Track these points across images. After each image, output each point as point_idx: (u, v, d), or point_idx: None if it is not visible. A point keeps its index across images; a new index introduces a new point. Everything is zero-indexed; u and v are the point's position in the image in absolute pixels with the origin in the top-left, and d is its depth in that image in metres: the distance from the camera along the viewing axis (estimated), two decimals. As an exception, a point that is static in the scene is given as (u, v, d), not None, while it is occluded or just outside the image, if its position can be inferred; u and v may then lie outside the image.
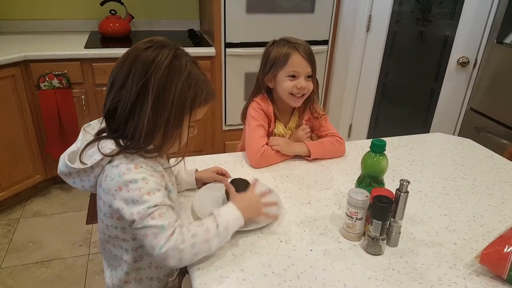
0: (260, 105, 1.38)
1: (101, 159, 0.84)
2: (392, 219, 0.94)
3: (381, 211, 0.90)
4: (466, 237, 1.02)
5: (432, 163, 1.40)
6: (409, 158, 1.43)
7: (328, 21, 2.72)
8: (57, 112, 2.41)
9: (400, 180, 0.91)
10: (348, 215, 0.96)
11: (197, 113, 0.89)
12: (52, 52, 2.33)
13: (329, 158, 1.38)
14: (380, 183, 1.00)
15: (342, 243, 0.97)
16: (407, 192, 0.91)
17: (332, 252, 0.94)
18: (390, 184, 1.05)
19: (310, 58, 1.33)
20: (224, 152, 1.46)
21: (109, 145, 0.85)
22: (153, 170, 0.85)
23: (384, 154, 0.98)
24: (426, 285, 0.86)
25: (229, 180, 1.13)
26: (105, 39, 2.73)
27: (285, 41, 1.34)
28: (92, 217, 2.43)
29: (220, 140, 2.84)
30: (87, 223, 2.38)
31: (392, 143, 1.53)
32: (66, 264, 2.06)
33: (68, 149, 0.91)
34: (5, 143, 2.28)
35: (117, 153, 0.84)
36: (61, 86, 2.38)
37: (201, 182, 1.16)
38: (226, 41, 2.56)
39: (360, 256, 0.93)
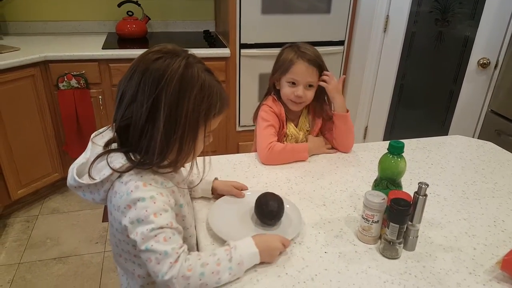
0: (271, 108, 1.39)
1: (111, 174, 0.80)
2: (409, 223, 0.92)
3: (398, 214, 0.88)
4: (486, 243, 0.99)
5: (451, 166, 1.37)
6: (428, 160, 1.40)
7: (344, 22, 2.69)
8: (75, 112, 2.44)
9: (419, 183, 0.89)
10: (364, 218, 0.95)
11: (211, 124, 0.85)
12: (71, 53, 2.37)
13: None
14: (398, 185, 0.98)
15: (357, 246, 0.96)
16: (425, 195, 0.89)
17: (347, 255, 0.93)
18: (408, 187, 1.03)
19: (315, 65, 1.32)
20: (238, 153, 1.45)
21: (119, 159, 0.81)
22: (163, 187, 0.81)
23: (402, 156, 0.96)
24: (445, 291, 0.83)
25: (258, 193, 1.04)
26: (122, 40, 2.76)
27: (296, 47, 1.35)
28: (107, 215, 2.45)
29: (234, 141, 2.84)
30: (103, 221, 2.41)
31: (409, 145, 1.50)
32: (82, 260, 2.09)
33: (77, 160, 0.87)
34: (25, 142, 2.33)
35: (128, 169, 0.80)
36: (79, 86, 2.42)
37: (216, 192, 1.11)
38: (241, 42, 2.55)
39: (376, 259, 0.92)
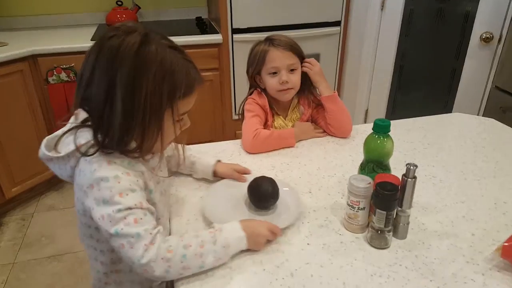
0: (255, 99, 1.32)
1: (75, 150, 0.76)
2: (399, 208, 0.84)
3: (384, 200, 0.80)
4: (486, 227, 0.91)
5: (449, 145, 1.28)
6: (424, 141, 1.31)
7: (340, 1, 2.58)
8: (66, 106, 2.39)
9: (407, 164, 0.81)
10: (349, 205, 0.87)
11: (180, 107, 0.78)
12: (59, 45, 2.31)
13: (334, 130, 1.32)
14: (386, 168, 0.90)
15: (343, 235, 0.88)
16: (414, 177, 0.81)
17: (331, 246, 0.85)
18: (400, 170, 0.94)
19: (291, 50, 1.26)
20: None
21: (86, 136, 0.76)
22: (130, 167, 0.76)
23: (388, 135, 0.88)
24: (438, 283, 0.76)
25: (252, 177, 1.01)
26: (112, 31, 2.68)
27: (266, 39, 1.29)
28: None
29: (230, 130, 2.77)
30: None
31: (405, 125, 1.41)
32: (77, 258, 2.05)
33: (54, 133, 0.84)
34: (17, 138, 2.28)
35: (92, 147, 0.75)
36: (69, 80, 2.36)
37: (217, 175, 1.07)
38: (233, 27, 2.46)
39: (363, 250, 0.84)
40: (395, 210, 0.83)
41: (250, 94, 1.35)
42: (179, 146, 1.11)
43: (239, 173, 1.07)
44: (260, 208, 0.95)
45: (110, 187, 0.72)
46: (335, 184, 1.07)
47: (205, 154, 1.13)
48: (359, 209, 0.85)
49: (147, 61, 0.71)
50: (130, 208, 0.72)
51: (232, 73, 2.59)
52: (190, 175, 1.10)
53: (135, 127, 0.73)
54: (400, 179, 0.83)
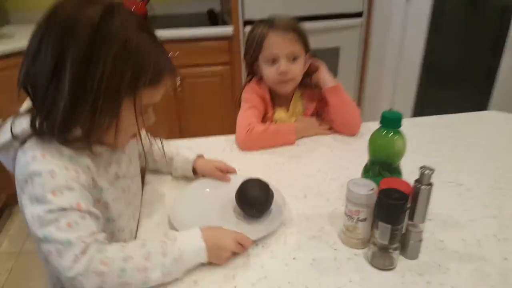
0: (254, 88, 1.16)
1: (11, 140, 0.66)
2: (409, 222, 0.67)
3: (389, 211, 0.63)
4: (523, 250, 0.72)
5: (481, 148, 1.08)
6: (450, 142, 1.11)
7: (362, -10, 2.38)
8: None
9: (421, 168, 0.64)
10: (347, 215, 0.70)
11: (144, 96, 0.66)
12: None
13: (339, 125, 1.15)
14: (395, 172, 0.73)
15: (339, 251, 0.72)
16: (430, 184, 0.64)
17: (322, 263, 0.69)
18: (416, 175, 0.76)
19: (293, 34, 1.08)
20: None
21: (22, 123, 0.66)
22: (71, 161, 0.64)
23: (399, 131, 0.70)
24: (456, 320, 0.58)
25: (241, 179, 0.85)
26: (121, 23, 2.60)
27: (265, 20, 1.11)
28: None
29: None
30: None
31: (428, 124, 1.22)
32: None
33: None
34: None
35: (28, 136, 0.64)
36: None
37: (197, 173, 0.94)
38: (245, 18, 2.31)
39: (362, 270, 0.67)
40: (404, 224, 0.66)
41: (249, 81, 1.19)
42: (154, 140, 0.98)
43: (221, 172, 0.92)
44: (251, 216, 0.81)
45: (43, 183, 0.61)
46: (337, 189, 0.90)
47: (190, 149, 0.99)
48: (358, 220, 0.69)
49: (108, 37, 0.60)
50: (63, 209, 0.60)
51: (243, 67, 2.44)
52: (170, 174, 0.96)
53: (83, 111, 0.61)
54: (412, 186, 0.65)
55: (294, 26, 1.09)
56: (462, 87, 2.40)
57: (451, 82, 2.44)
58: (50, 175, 0.61)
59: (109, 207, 0.71)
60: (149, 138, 0.97)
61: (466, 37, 2.26)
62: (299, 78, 1.13)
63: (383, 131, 0.70)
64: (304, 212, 0.82)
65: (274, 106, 1.17)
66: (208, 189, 0.89)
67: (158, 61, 0.66)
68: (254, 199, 0.79)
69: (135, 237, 0.79)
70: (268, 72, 1.11)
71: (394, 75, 2.48)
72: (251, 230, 0.75)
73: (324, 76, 1.12)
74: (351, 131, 1.13)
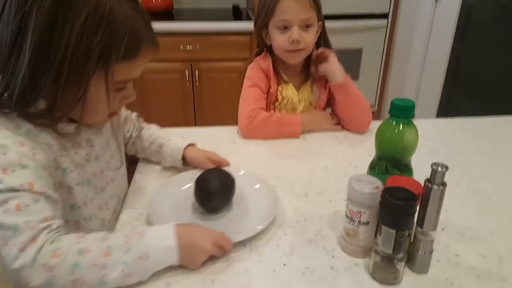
0: (258, 62, 1.08)
1: None
2: (418, 229, 0.58)
3: (394, 212, 0.54)
4: (552, 270, 0.62)
5: (507, 155, 0.98)
6: (472, 146, 1.01)
7: (388, -10, 2.29)
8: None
9: (432, 165, 0.55)
10: (347, 216, 0.62)
11: (117, 71, 0.59)
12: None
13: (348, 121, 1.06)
14: (405, 169, 0.64)
15: (337, 259, 0.63)
16: (443, 184, 0.55)
17: (316, 272, 0.60)
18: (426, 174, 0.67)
19: (308, 0, 1.00)
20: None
21: None
22: (28, 137, 0.58)
23: (411, 122, 0.61)
24: None
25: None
26: (146, 14, 2.58)
27: None
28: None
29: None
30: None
31: (449, 126, 1.13)
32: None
33: None
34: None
35: None
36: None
37: (187, 163, 0.86)
38: (267, 14, 2.25)
39: (362, 283, 0.59)
40: (412, 230, 0.57)
41: (257, 55, 1.12)
42: (143, 125, 0.92)
43: (214, 164, 0.84)
44: (207, 210, 0.73)
45: None
46: (342, 189, 0.80)
47: (193, 139, 0.92)
48: (360, 223, 0.60)
49: (75, 1, 0.54)
50: (14, 190, 0.53)
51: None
52: (159, 163, 0.89)
53: (44, 84, 0.55)
54: (423, 186, 0.56)
55: None
56: (489, 95, 2.25)
57: (478, 90, 2.29)
58: (2, 151, 0.54)
59: (73, 192, 0.64)
60: (137, 122, 0.91)
61: (495, 43, 2.12)
62: (311, 48, 1.05)
63: (392, 122, 0.61)
64: (302, 212, 0.74)
65: (280, 81, 1.09)
66: (191, 182, 0.79)
67: (135, 32, 0.58)
68: (210, 191, 0.71)
69: (112, 230, 0.71)
70: (279, 39, 1.02)
71: (417, 80, 2.36)
72: (235, 229, 0.67)
73: (333, 68, 1.04)
74: (360, 129, 1.04)
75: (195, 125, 2.33)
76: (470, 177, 0.86)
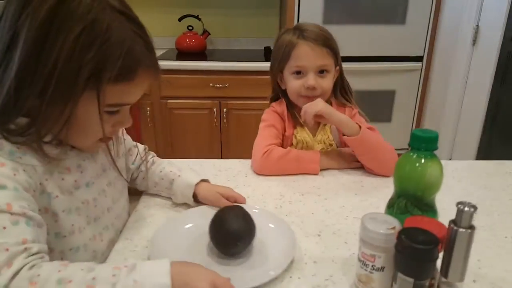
0: (274, 108, 1.06)
1: None
2: (443, 279, 0.50)
3: (412, 258, 0.47)
4: None
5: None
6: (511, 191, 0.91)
7: (423, 34, 2.24)
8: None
9: (458, 204, 0.47)
10: (360, 260, 0.54)
11: (110, 93, 0.56)
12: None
13: (368, 170, 0.97)
14: (428, 208, 0.56)
15: (347, 308, 0.55)
16: (471, 227, 0.47)
17: (321, 322, 0.53)
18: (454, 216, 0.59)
19: (324, 45, 0.96)
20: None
21: None
22: (11, 157, 0.54)
23: (434, 155, 0.54)
24: None
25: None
26: (180, 54, 2.67)
27: (295, 28, 1.00)
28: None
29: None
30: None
31: (485, 168, 1.02)
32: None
33: None
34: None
35: None
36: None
37: (198, 200, 0.81)
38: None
39: None
40: (434, 280, 0.49)
41: (272, 100, 1.09)
42: (153, 159, 0.89)
43: (227, 201, 0.79)
44: (224, 254, 0.66)
45: None
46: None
47: (205, 170, 0.88)
48: (374, 268, 0.52)
49: (71, 14, 0.52)
50: None
51: (290, 104, 2.36)
52: (170, 198, 0.84)
53: (30, 95, 0.53)
54: (447, 229, 0.49)
55: (326, 37, 0.98)
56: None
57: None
58: None
59: (58, 219, 0.60)
60: (145, 155, 0.86)
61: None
62: (328, 94, 1.01)
63: (413, 155, 0.55)
64: (313, 253, 0.67)
65: (295, 125, 1.04)
66: (201, 219, 0.72)
67: (132, 53, 0.55)
68: (228, 233, 0.64)
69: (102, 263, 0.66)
70: (293, 84, 0.99)
71: (453, 125, 2.25)
72: (247, 274, 0.60)
73: (338, 119, 0.94)
74: (385, 172, 0.95)
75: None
76: (509, 223, 0.76)
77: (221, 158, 2.35)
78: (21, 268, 0.47)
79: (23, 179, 0.54)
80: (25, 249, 0.48)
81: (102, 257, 0.68)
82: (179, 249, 0.67)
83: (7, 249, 0.47)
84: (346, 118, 0.94)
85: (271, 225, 0.73)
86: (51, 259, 0.55)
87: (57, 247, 0.61)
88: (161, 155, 0.92)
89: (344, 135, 0.94)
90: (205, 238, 0.68)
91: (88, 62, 0.52)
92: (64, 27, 0.52)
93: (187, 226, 0.73)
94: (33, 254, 0.49)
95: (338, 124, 0.94)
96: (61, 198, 0.60)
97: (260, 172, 0.96)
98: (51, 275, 0.47)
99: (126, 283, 0.49)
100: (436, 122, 2.34)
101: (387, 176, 0.95)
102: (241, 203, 0.80)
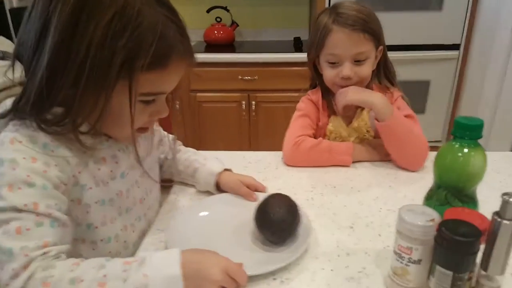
0: (309, 96, 1.03)
1: None
2: (482, 272, 0.47)
3: (452, 250, 0.45)
4: None
5: None
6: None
7: (460, 20, 2.14)
8: (150, 116, 2.40)
9: (504, 195, 0.45)
10: (396, 253, 0.53)
11: (143, 81, 0.55)
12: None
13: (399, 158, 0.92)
14: (469, 200, 0.54)
15: (381, 301, 0.54)
16: (517, 219, 0.44)
17: (355, 315, 0.52)
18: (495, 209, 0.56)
19: (362, 30, 0.89)
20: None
21: (10, 100, 0.58)
22: (44, 151, 0.54)
23: (478, 144, 0.52)
24: None
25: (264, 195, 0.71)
26: (208, 47, 2.68)
27: (332, 8, 0.94)
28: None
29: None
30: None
31: (529, 161, 0.97)
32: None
33: None
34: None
35: (8, 115, 0.56)
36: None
37: (221, 188, 0.82)
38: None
39: (409, 333, 0.49)
40: (473, 273, 0.47)
41: (309, 88, 1.07)
42: (179, 148, 0.89)
43: (248, 189, 0.78)
44: (274, 243, 0.66)
45: (2, 173, 0.51)
46: (394, 223, 0.71)
47: (235, 162, 0.88)
48: (410, 261, 0.51)
49: (100, 1, 0.51)
50: (17, 210, 0.50)
51: (320, 95, 2.33)
52: (194, 186, 0.86)
53: (64, 85, 0.52)
54: (490, 221, 0.46)
55: (364, 20, 0.90)
56: None
57: None
58: (11, 166, 0.51)
59: (90, 210, 0.61)
60: (173, 145, 0.87)
61: None
62: (367, 79, 0.96)
63: (456, 144, 0.52)
64: (346, 245, 0.66)
65: (330, 114, 1.02)
66: (221, 205, 0.75)
67: (165, 39, 0.54)
68: (280, 222, 0.64)
69: (133, 254, 0.67)
70: (329, 74, 0.96)
71: (491, 117, 2.15)
72: (262, 259, 0.61)
73: (371, 100, 0.91)
74: (411, 167, 0.91)
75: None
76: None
77: (250, 150, 2.36)
78: (35, 270, 0.48)
79: (53, 175, 0.54)
80: (44, 253, 0.49)
81: (133, 248, 0.69)
82: (196, 236, 0.67)
83: (26, 255, 0.48)
84: (381, 101, 0.89)
85: None
86: (83, 249, 0.57)
87: (88, 238, 0.62)
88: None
89: (376, 119, 0.90)
90: (222, 224, 0.70)
91: (121, 48, 0.51)
92: (95, 13, 0.51)
93: (204, 214, 0.74)
94: (50, 257, 0.50)
95: (372, 107, 0.90)
96: (95, 190, 0.61)
97: (290, 163, 0.95)
98: (64, 275, 0.48)
99: (136, 278, 0.49)
100: (472, 113, 2.24)
101: (412, 171, 0.90)
102: (261, 191, 0.80)
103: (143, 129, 0.64)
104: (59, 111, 0.55)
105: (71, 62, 0.51)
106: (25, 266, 0.48)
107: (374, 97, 0.90)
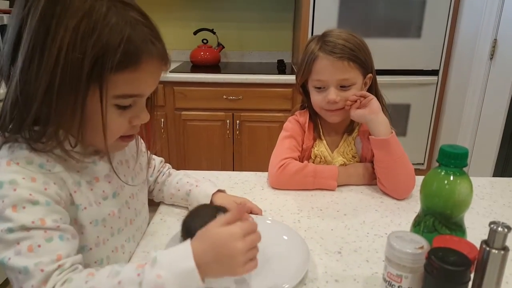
0: (297, 116, 1.04)
1: None
2: (473, 302, 0.47)
3: (442, 280, 0.45)
4: None
5: None
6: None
7: (439, 47, 2.23)
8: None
9: (491, 224, 0.46)
10: (385, 280, 0.53)
11: (114, 83, 0.54)
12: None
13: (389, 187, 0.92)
14: (456, 228, 0.54)
15: (371, 330, 0.53)
16: (505, 249, 0.45)
17: None
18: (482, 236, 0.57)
19: (348, 58, 0.91)
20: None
21: None
22: (41, 170, 0.54)
23: (463, 172, 0.53)
24: None
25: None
26: (194, 67, 2.70)
27: (321, 35, 0.96)
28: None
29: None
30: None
31: (508, 186, 0.99)
32: None
33: None
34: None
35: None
36: (142, 108, 2.36)
37: None
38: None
39: None
40: (465, 304, 0.47)
41: (299, 109, 1.07)
42: (169, 171, 0.89)
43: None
44: None
45: (3, 196, 0.51)
46: (382, 248, 0.72)
47: (221, 182, 0.88)
48: (400, 289, 0.51)
49: (67, 5, 0.51)
50: (25, 228, 0.50)
51: (304, 117, 2.35)
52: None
53: (37, 96, 0.51)
54: (479, 250, 0.47)
55: (351, 49, 0.91)
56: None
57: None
58: (11, 187, 0.51)
59: (85, 231, 0.60)
60: (162, 168, 0.88)
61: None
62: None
63: (441, 171, 0.53)
64: (334, 272, 0.65)
65: (315, 138, 1.02)
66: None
67: (134, 40, 0.53)
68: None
69: None
70: (316, 98, 0.97)
71: (470, 140, 2.21)
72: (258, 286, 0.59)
73: (374, 119, 0.92)
74: (398, 195, 0.91)
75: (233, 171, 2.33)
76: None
77: (233, 169, 2.35)
78: (55, 285, 0.48)
79: (53, 192, 0.54)
80: (59, 266, 0.50)
81: None
82: None
83: (42, 270, 0.49)
84: (385, 119, 0.92)
85: (284, 237, 0.72)
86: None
87: (83, 261, 0.59)
88: (174, 166, 0.93)
89: (371, 135, 0.91)
90: None
91: (91, 50, 0.51)
92: (64, 17, 0.51)
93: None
94: (66, 269, 0.50)
95: (376, 122, 0.92)
96: (89, 210, 0.60)
97: (276, 186, 0.94)
98: (81, 284, 0.49)
99: (149, 280, 0.49)
100: (452, 137, 2.30)
101: (400, 199, 0.90)
102: (257, 214, 0.80)
103: (127, 137, 0.63)
104: (40, 126, 0.54)
105: (43, 69, 0.51)
106: (44, 282, 0.48)
107: (381, 114, 0.92)
